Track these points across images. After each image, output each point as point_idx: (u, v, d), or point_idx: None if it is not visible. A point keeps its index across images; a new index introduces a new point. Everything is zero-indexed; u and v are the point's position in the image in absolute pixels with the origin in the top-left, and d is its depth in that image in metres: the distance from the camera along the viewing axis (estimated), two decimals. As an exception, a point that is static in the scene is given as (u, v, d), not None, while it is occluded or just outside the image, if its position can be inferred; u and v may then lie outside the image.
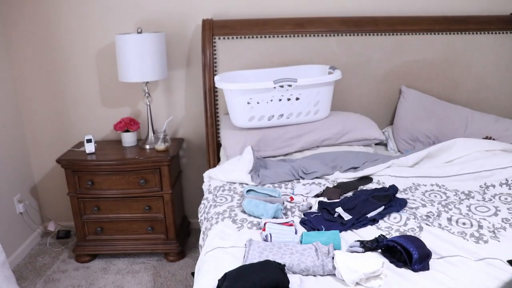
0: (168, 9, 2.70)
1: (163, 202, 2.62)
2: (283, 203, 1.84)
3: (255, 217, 1.77)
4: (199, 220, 2.03)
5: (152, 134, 2.72)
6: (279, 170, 2.14)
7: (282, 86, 2.24)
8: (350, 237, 1.62)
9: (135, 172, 2.56)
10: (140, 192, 2.60)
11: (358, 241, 1.53)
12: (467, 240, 1.59)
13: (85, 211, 2.64)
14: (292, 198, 1.93)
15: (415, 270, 1.40)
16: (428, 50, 2.63)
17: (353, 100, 2.68)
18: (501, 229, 1.65)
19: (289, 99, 2.30)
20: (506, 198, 1.89)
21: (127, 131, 2.73)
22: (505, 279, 1.35)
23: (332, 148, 2.38)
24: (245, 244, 1.55)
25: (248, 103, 2.28)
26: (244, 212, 1.82)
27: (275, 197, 1.91)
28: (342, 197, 1.92)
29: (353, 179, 2.12)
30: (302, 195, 1.96)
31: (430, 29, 2.61)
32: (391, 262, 1.45)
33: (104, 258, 2.75)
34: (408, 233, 1.63)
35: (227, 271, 1.34)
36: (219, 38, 2.57)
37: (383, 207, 1.77)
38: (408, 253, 1.41)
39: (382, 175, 2.14)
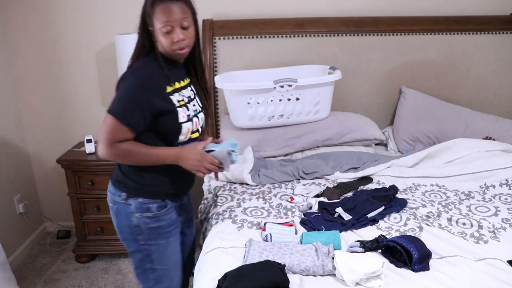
0: (168, 9, 2.69)
1: (163, 202, 2.61)
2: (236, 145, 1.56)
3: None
4: (199, 220, 2.03)
5: (152, 134, 2.72)
6: (280, 170, 2.14)
7: (282, 86, 2.24)
8: (350, 237, 1.62)
9: (135, 172, 2.56)
10: (140, 192, 2.59)
11: (358, 241, 1.53)
12: (467, 240, 1.59)
13: (85, 211, 2.63)
14: (292, 198, 1.93)
15: (415, 270, 1.40)
16: (428, 50, 2.63)
17: (353, 100, 2.68)
18: (501, 229, 1.65)
19: (289, 99, 2.29)
20: (506, 199, 1.89)
21: (127, 131, 2.72)
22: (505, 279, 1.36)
23: (333, 148, 2.38)
24: (245, 244, 1.55)
25: (248, 103, 2.28)
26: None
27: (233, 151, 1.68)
28: (342, 197, 1.92)
29: (353, 179, 2.12)
30: (302, 195, 1.96)
31: (430, 29, 2.61)
32: (391, 262, 1.46)
33: (104, 258, 2.75)
34: (408, 233, 1.63)
35: (227, 271, 1.34)
36: (219, 38, 2.57)
37: (383, 207, 1.77)
38: (408, 253, 1.41)
39: (382, 175, 2.14)
